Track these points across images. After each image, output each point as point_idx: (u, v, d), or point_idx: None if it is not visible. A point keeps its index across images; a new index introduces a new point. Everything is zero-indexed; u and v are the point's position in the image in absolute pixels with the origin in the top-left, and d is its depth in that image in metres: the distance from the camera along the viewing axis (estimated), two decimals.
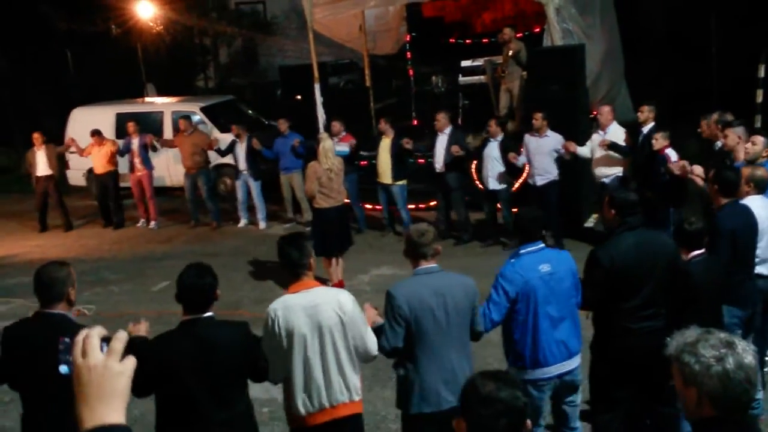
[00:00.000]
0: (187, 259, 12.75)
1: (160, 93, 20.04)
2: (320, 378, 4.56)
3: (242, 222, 14.09)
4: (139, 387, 4.23)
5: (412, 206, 13.03)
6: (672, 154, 9.24)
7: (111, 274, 11.74)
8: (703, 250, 5.43)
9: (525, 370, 5.14)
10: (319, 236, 9.69)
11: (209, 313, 4.38)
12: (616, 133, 10.44)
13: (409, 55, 17.12)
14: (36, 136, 14.48)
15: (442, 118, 11.74)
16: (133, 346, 4.05)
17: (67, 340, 1.97)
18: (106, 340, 1.89)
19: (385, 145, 12.05)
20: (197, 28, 25.13)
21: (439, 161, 11.72)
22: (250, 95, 23.04)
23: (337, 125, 12.51)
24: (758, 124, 12.65)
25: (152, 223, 14.63)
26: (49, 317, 4.48)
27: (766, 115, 12.91)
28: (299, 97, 14.17)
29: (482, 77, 15.22)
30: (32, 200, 15.14)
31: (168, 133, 15.97)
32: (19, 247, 13.90)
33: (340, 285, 9.99)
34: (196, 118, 16.18)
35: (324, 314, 4.51)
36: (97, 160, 14.56)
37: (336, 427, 4.63)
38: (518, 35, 14.05)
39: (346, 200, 10.39)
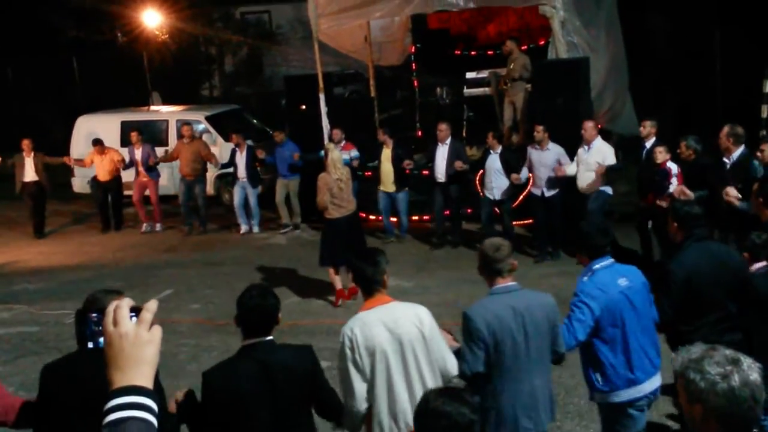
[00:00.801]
0: (190, 268, 12.87)
1: (166, 101, 20.10)
2: (405, 400, 4.24)
3: (243, 228, 14.21)
4: (198, 425, 4.12)
5: (416, 218, 13.12)
6: (673, 167, 9.32)
7: (114, 282, 11.69)
8: (765, 263, 5.40)
9: (618, 392, 4.90)
10: (329, 246, 9.78)
11: (270, 337, 4.17)
12: (601, 149, 10.55)
13: (414, 66, 17.14)
14: (25, 142, 14.64)
15: (444, 128, 12.02)
16: (181, 405, 3.99)
17: (94, 315, 2.08)
18: (135, 310, 1.98)
19: (387, 155, 12.41)
20: (203, 37, 25.24)
21: (440, 171, 11.93)
22: (254, 105, 23.09)
23: (338, 133, 12.90)
24: None
25: (157, 226, 14.89)
26: (100, 353, 4.18)
27: None
28: (304, 107, 14.21)
29: (487, 89, 15.24)
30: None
31: (172, 141, 15.99)
32: (23, 253, 13.91)
33: (352, 291, 9.99)
34: (200, 126, 16.26)
35: (404, 328, 4.26)
36: (101, 168, 14.74)
37: None
38: (523, 48, 14.07)
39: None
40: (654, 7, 19.14)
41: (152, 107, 18.98)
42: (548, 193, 11.05)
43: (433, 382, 4.27)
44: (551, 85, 11.76)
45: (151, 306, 1.99)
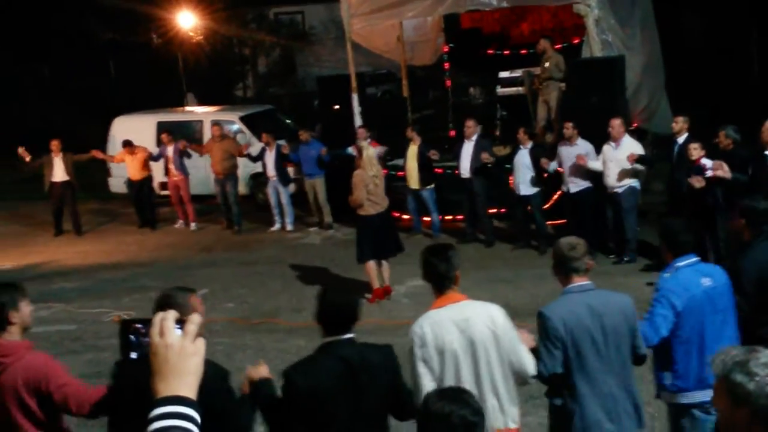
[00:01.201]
0: (225, 267, 12.97)
1: (200, 102, 20.29)
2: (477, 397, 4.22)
3: (276, 225, 14.37)
4: (279, 423, 4.07)
5: (450, 217, 13.10)
6: (708, 163, 9.25)
7: (150, 281, 11.87)
8: None
9: (687, 393, 4.82)
10: (366, 242, 9.87)
11: (351, 335, 4.12)
12: (630, 145, 10.58)
13: (446, 65, 17.10)
14: (54, 143, 14.83)
15: (472, 125, 12.16)
16: (258, 389, 3.99)
17: (139, 326, 2.13)
18: (180, 322, 2.02)
19: (413, 152, 12.52)
20: (236, 39, 25.43)
21: (465, 167, 12.07)
22: (287, 105, 23.22)
23: (362, 132, 12.99)
24: None
25: (192, 225, 15.08)
26: None
27: None
28: (337, 107, 14.26)
29: (520, 88, 15.17)
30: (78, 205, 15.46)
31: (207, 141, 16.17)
32: (61, 252, 14.13)
33: (387, 290, 10.16)
34: (234, 127, 16.40)
35: (476, 328, 4.17)
36: (132, 168, 15.07)
37: None
38: (557, 47, 14.00)
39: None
40: (689, 5, 18.96)
41: (187, 108, 19.17)
42: (576, 189, 11.09)
43: (503, 383, 4.22)
44: (586, 84, 11.68)
45: (196, 318, 2.04)
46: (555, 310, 4.42)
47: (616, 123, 10.60)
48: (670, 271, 4.91)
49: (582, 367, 4.38)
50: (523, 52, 15.72)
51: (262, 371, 4.18)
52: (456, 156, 12.34)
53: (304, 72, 26.65)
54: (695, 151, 9.41)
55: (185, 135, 16.04)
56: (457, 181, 12.45)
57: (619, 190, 10.62)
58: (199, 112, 18.12)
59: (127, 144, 14.99)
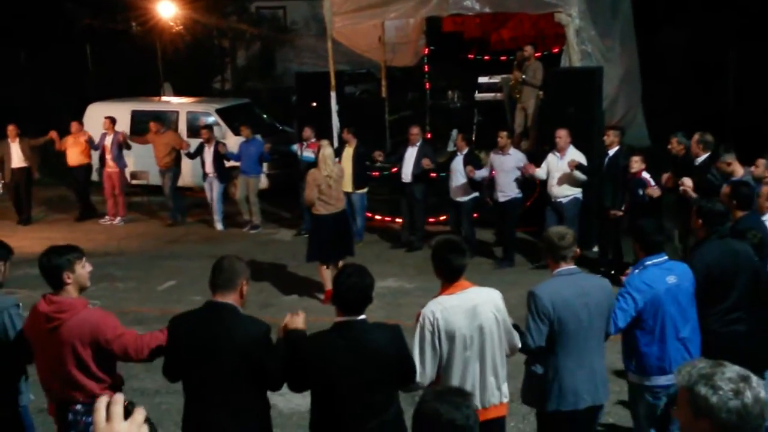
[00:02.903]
0: (193, 260, 12.87)
1: (177, 93, 20.11)
2: (477, 379, 4.60)
3: (218, 225, 14.28)
4: (297, 381, 4.34)
5: (432, 220, 13.10)
6: (648, 177, 9.80)
7: (117, 271, 11.74)
8: None
9: (648, 377, 5.28)
10: (316, 242, 9.90)
11: (363, 316, 4.31)
12: (576, 156, 10.78)
13: (426, 68, 17.11)
14: (10, 128, 14.66)
15: (416, 132, 12.42)
16: (290, 339, 4.31)
17: (80, 406, 2.11)
18: (127, 410, 1.99)
19: (348, 154, 12.59)
20: (217, 30, 25.22)
21: (407, 172, 12.23)
22: (265, 100, 23.07)
23: (308, 131, 13.07)
24: None
25: (118, 219, 14.91)
26: (219, 307, 4.42)
27: None
28: (314, 104, 14.19)
29: (498, 94, 15.22)
30: (50, 191, 15.28)
31: (183, 132, 16.01)
32: (27, 239, 13.91)
33: (328, 294, 10.03)
34: (210, 119, 16.29)
35: (483, 315, 4.56)
36: (72, 153, 14.82)
37: (484, 429, 4.34)
38: (537, 55, 14.06)
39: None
40: (670, 21, 19.13)
41: (163, 98, 19.00)
42: (504, 199, 11.34)
43: (500, 362, 4.69)
44: (563, 93, 11.73)
45: (142, 411, 2.01)
46: (545, 290, 4.89)
47: (563, 133, 10.82)
48: (638, 268, 5.36)
49: (565, 341, 4.86)
50: (503, 58, 15.74)
51: (298, 321, 4.45)
52: (399, 159, 12.52)
53: (283, 67, 26.48)
54: (636, 164, 9.81)
55: (160, 124, 15.89)
56: (441, 186, 12.44)
57: (563, 200, 10.85)
58: (174, 102, 17.97)
59: (75, 123, 14.83)
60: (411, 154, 12.23)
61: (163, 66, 20.92)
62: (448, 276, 4.67)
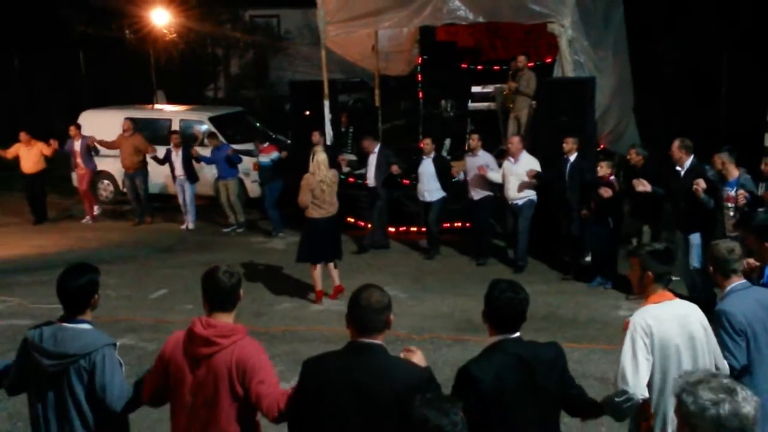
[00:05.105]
0: (185, 268, 12.79)
1: (170, 100, 20.12)
2: None
3: (190, 225, 14.83)
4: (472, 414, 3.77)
5: (414, 229, 13.17)
6: (614, 180, 10.45)
7: (109, 278, 11.67)
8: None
9: None
10: (307, 244, 10.22)
11: (518, 333, 3.98)
12: (528, 161, 11.39)
13: (419, 77, 17.14)
14: None
15: (368, 143, 12.93)
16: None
17: None
18: None
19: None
20: (210, 38, 25.24)
21: (371, 177, 12.76)
22: (258, 108, 23.09)
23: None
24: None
25: (86, 218, 15.46)
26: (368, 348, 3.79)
27: None
28: (308, 112, 14.21)
29: (491, 104, 15.26)
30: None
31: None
32: (19, 246, 13.87)
33: (339, 289, 10.41)
34: (203, 127, 16.31)
35: (693, 326, 4.40)
36: (26, 161, 15.10)
37: None
38: (530, 65, 14.10)
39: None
40: (663, 31, 19.22)
41: (156, 105, 19.00)
42: (478, 197, 11.96)
43: None
44: (556, 103, 11.78)
45: None
46: (736, 306, 4.71)
47: (515, 140, 11.59)
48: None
49: (760, 355, 4.70)
50: (496, 68, 15.80)
51: (418, 359, 3.93)
52: (363, 166, 13.15)
53: (276, 76, 26.51)
54: (602, 169, 10.42)
55: (153, 132, 15.99)
56: (459, 191, 12.59)
57: (519, 202, 11.45)
58: (167, 110, 17.97)
59: (25, 134, 15.06)
60: (372, 160, 12.74)
61: (156, 73, 20.90)
62: (657, 282, 4.45)
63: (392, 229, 13.21)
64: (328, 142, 13.56)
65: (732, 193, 8.95)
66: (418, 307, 10.03)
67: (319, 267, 10.31)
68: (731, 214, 8.97)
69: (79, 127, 15.46)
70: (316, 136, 13.03)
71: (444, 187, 12.23)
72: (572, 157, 10.98)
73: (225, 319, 4.11)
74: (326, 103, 13.94)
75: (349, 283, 10.42)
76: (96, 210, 15.78)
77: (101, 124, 16.00)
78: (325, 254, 10.29)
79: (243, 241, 13.96)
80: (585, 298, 10.29)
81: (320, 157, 10.01)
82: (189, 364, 4.09)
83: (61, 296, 4.38)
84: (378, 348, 3.74)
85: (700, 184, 8.87)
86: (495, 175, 11.67)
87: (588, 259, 11.22)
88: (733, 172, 9.02)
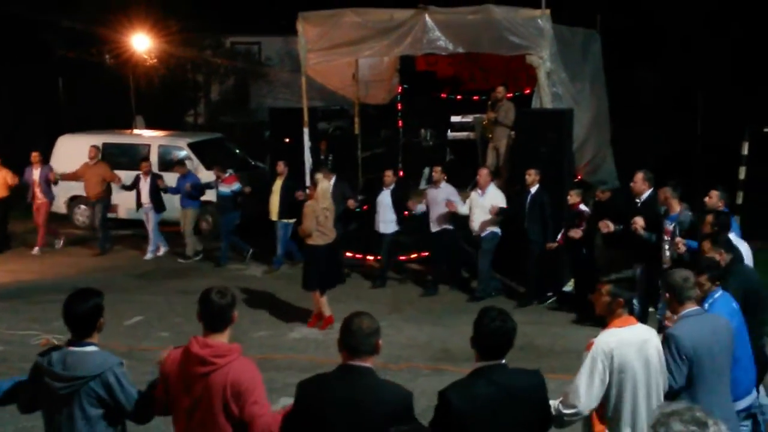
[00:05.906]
0: (161, 295, 12.68)
1: (149, 126, 20.04)
2: (645, 414, 4.54)
3: (149, 254, 14.65)
4: None
5: (404, 258, 13.14)
6: (584, 209, 10.78)
7: None
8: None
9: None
10: (315, 272, 10.25)
11: (504, 361, 4.09)
12: (494, 194, 11.67)
13: (399, 106, 17.22)
14: None
15: (320, 177, 12.28)
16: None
17: None
18: None
19: (278, 185, 13.37)
20: (191, 64, 25.24)
21: None
22: (238, 134, 23.06)
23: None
24: (740, 201, 12.82)
25: (35, 249, 15.07)
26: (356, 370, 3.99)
27: (748, 191, 13.07)
28: (288, 139, 14.20)
29: (471, 134, 15.34)
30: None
31: (154, 165, 15.85)
32: None
33: (329, 320, 10.35)
34: (182, 153, 16.22)
35: (650, 351, 4.63)
36: None
37: None
38: (509, 95, 14.21)
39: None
40: (642, 64, 19.49)
41: (135, 131, 18.92)
42: (435, 229, 11.99)
43: (657, 400, 4.63)
44: (534, 134, 11.85)
45: None
46: (683, 331, 5.01)
47: (484, 173, 11.76)
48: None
49: (702, 381, 4.98)
50: (475, 98, 15.90)
51: None
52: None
53: (257, 102, 26.53)
54: (571, 197, 10.77)
55: (131, 158, 15.90)
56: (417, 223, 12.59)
57: (482, 234, 11.63)
58: (146, 135, 17.89)
59: None
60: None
61: (136, 99, 20.84)
62: (622, 309, 4.68)
63: (371, 258, 13.15)
64: (307, 171, 13.52)
65: (670, 227, 9.02)
66: (395, 336, 9.98)
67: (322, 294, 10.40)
68: (666, 247, 9.07)
69: (41, 155, 15.16)
70: (280, 166, 13.31)
71: (399, 220, 12.37)
72: (533, 189, 11.16)
73: (219, 339, 4.21)
74: (306, 131, 13.94)
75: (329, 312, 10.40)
76: (58, 244, 15.38)
77: (79, 149, 15.84)
78: (331, 280, 10.47)
79: (220, 269, 13.85)
80: (561, 329, 10.32)
81: (323, 185, 10.31)
82: (185, 382, 4.22)
83: (67, 320, 4.62)
84: (367, 371, 3.98)
85: (638, 223, 9.16)
86: (463, 209, 11.79)
87: (568, 288, 11.27)
88: (675, 207, 9.07)
